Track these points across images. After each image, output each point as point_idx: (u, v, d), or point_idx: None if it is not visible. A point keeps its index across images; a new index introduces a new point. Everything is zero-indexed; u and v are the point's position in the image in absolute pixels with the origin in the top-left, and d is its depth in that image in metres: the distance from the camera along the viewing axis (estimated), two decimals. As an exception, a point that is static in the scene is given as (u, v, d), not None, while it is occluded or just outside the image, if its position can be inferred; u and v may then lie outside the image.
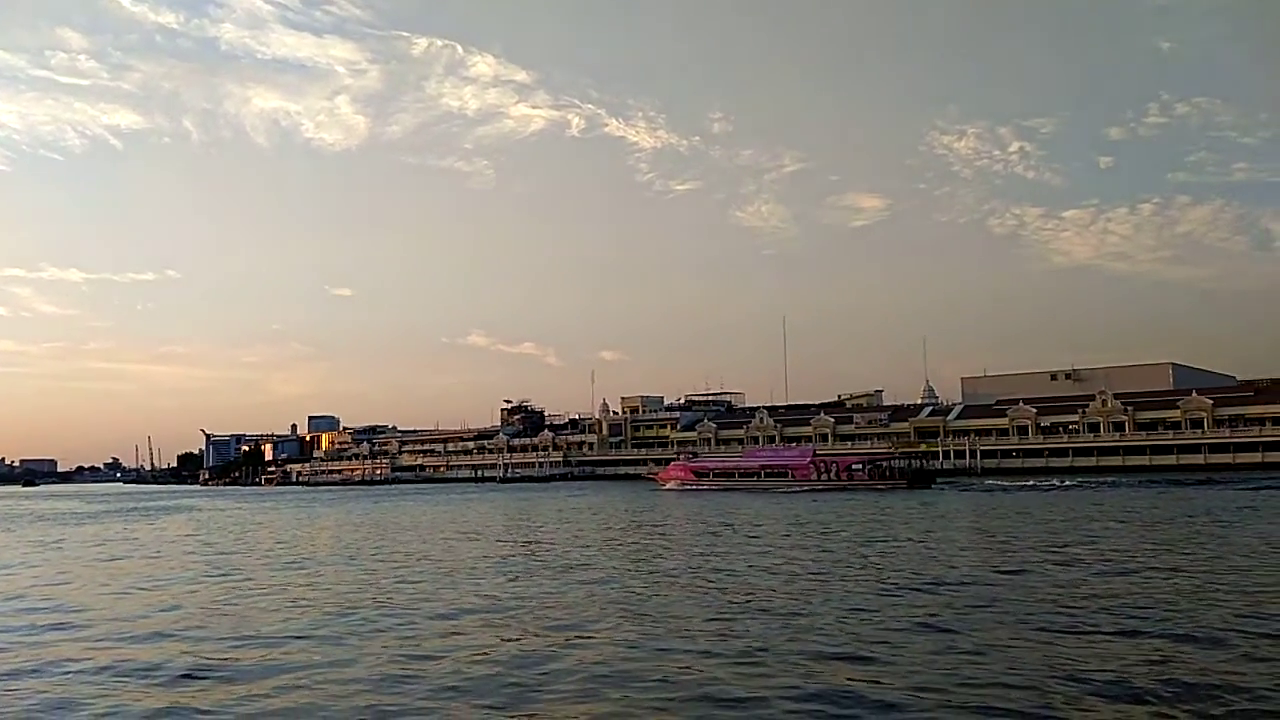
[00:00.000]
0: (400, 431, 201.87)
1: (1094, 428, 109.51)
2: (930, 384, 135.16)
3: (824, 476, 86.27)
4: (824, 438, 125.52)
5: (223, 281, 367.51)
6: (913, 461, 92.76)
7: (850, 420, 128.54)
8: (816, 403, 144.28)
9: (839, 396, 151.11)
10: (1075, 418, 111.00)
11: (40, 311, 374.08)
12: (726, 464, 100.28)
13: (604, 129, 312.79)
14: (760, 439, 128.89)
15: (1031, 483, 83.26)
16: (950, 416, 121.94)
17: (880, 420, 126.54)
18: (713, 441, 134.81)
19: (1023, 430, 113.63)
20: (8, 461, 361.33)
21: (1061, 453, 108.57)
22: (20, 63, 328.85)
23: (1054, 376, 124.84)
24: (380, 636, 17.87)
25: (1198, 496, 58.53)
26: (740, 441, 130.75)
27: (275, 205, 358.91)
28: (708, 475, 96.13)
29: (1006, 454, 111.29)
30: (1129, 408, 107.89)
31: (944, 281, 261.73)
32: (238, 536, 48.17)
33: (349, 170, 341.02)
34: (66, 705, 13.28)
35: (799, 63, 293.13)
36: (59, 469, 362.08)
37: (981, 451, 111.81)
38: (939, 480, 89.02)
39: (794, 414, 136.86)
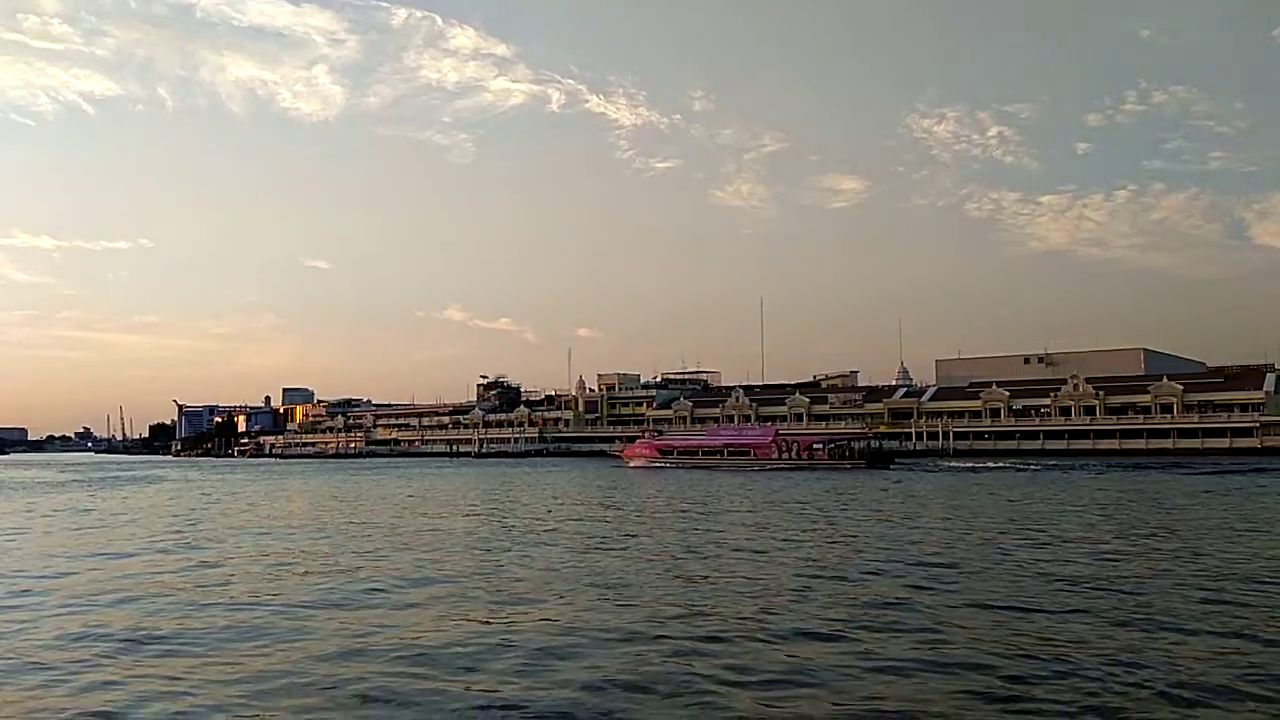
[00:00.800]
0: (375, 405, 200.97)
1: (1065, 411, 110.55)
2: (905, 366, 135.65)
3: (785, 456, 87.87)
4: (799, 417, 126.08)
5: (196, 251, 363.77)
6: (871, 443, 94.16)
7: (825, 400, 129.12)
8: (792, 383, 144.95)
9: (814, 377, 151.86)
10: (1047, 401, 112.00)
11: (11, 278, 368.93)
12: (691, 442, 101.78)
13: (584, 105, 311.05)
14: (736, 418, 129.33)
15: (988, 464, 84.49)
16: (924, 398, 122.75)
17: (855, 401, 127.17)
18: (688, 420, 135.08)
19: (995, 413, 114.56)
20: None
21: (1033, 435, 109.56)
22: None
23: (1027, 360, 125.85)
24: (346, 607, 17.87)
25: (1154, 481, 59.18)
26: (716, 420, 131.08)
27: (251, 175, 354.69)
28: (672, 453, 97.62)
29: (979, 435, 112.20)
30: (1100, 392, 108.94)
31: (921, 264, 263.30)
32: (207, 508, 47.90)
33: (326, 141, 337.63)
34: (27, 670, 13.22)
35: (780, 43, 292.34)
36: (29, 437, 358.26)
37: (954, 433, 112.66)
38: (898, 461, 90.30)
39: (770, 393, 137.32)
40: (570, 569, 22.44)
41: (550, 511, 40.96)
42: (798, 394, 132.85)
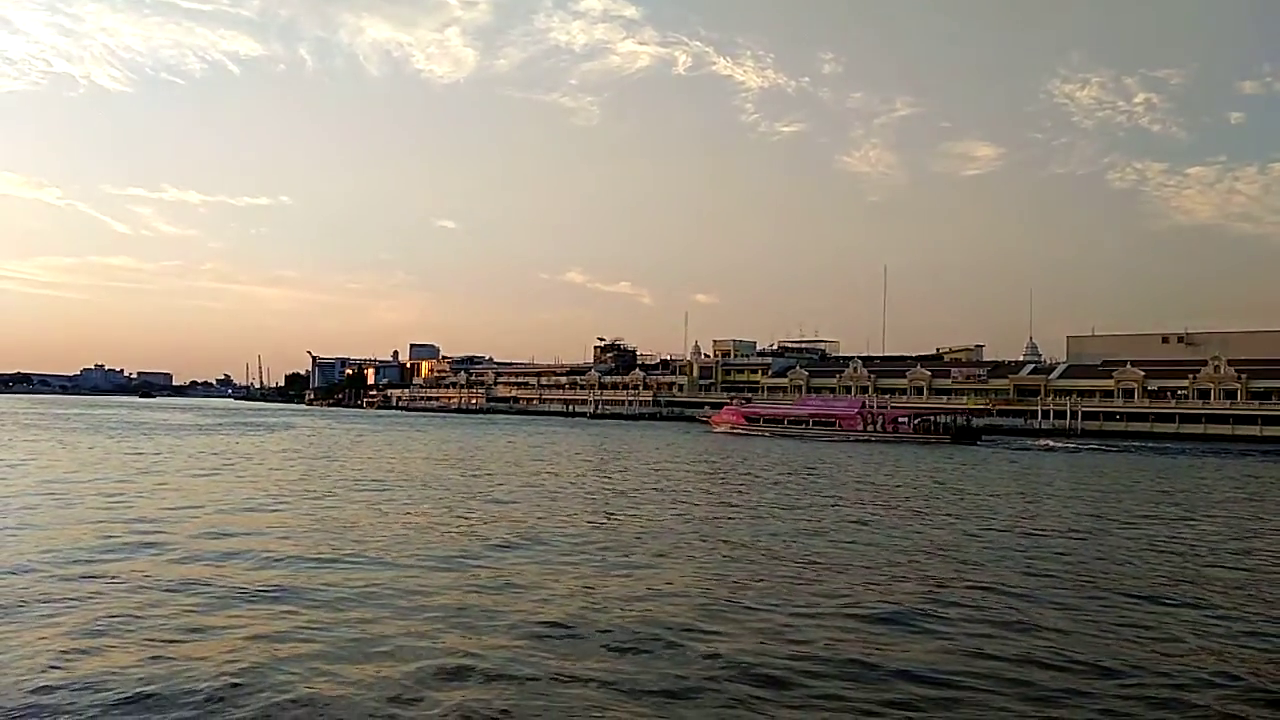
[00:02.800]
0: (496, 363, 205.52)
1: (1204, 394, 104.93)
2: (1034, 341, 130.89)
3: (870, 428, 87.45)
4: (919, 391, 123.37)
5: (332, 209, 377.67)
6: (957, 419, 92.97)
7: (947, 374, 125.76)
8: (914, 355, 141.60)
9: (937, 350, 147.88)
10: (1185, 383, 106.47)
11: (160, 231, 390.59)
12: (777, 410, 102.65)
13: (711, 67, 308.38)
14: (853, 389, 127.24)
15: (1073, 446, 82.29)
16: (1053, 375, 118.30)
17: (979, 376, 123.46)
18: (804, 389, 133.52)
19: (1129, 393, 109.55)
20: (126, 373, 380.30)
21: (1167, 418, 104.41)
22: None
23: (1165, 339, 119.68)
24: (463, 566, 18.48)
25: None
26: (833, 390, 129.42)
27: (385, 135, 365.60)
28: (758, 420, 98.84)
29: (1110, 416, 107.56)
30: (1243, 375, 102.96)
31: (1056, 236, 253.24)
32: (336, 454, 50.07)
33: (457, 103, 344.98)
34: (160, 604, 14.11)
35: (916, 4, 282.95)
36: (174, 383, 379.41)
37: (1084, 413, 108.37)
38: (985, 438, 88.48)
39: (889, 365, 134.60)
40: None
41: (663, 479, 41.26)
42: (919, 366, 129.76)
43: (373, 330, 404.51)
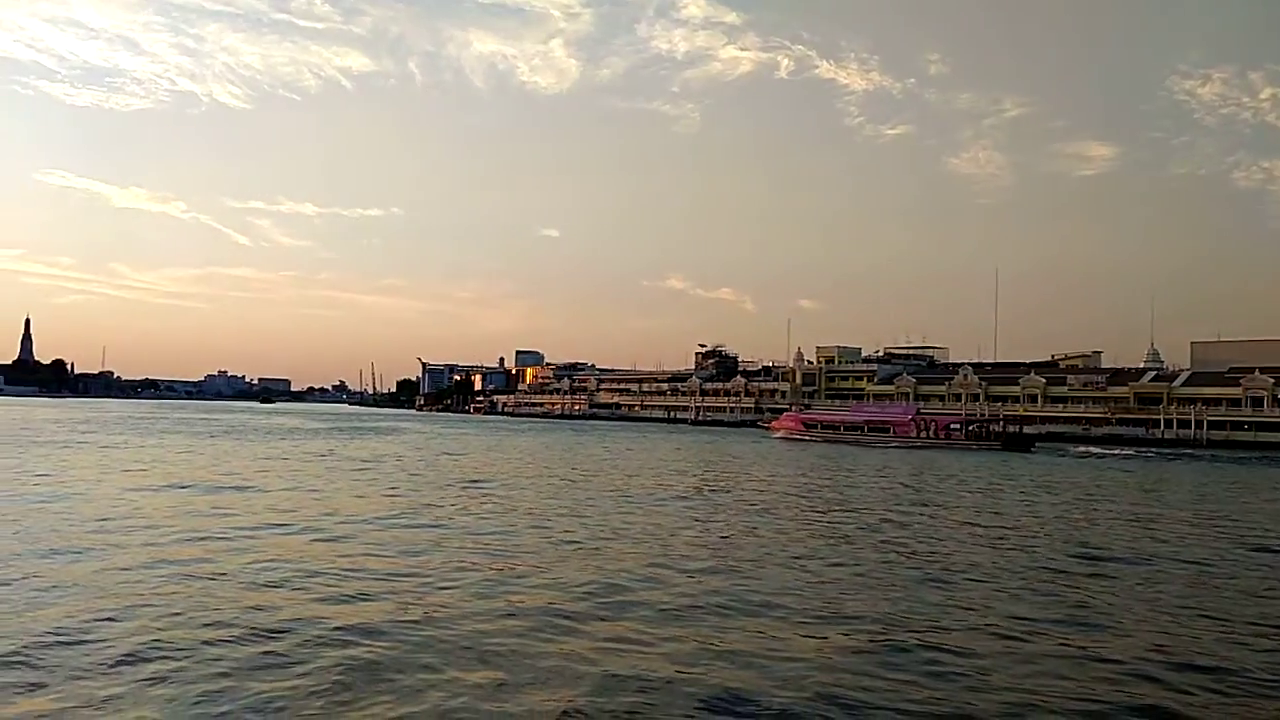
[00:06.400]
0: (599, 370, 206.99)
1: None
2: (1155, 347, 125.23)
3: (924, 434, 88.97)
4: (1033, 398, 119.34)
5: (441, 219, 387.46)
6: (1008, 426, 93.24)
7: (1063, 382, 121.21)
8: (1027, 361, 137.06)
9: (1052, 356, 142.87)
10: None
11: (278, 242, 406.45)
12: (834, 417, 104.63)
13: (814, 71, 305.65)
14: (963, 397, 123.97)
15: (1131, 452, 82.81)
16: (1176, 383, 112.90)
17: (1097, 383, 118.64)
18: (911, 396, 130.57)
19: (1257, 402, 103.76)
20: (248, 379, 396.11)
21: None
22: (263, 6, 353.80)
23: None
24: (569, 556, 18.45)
25: None
26: (941, 398, 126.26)
27: (490, 146, 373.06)
28: (816, 427, 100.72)
29: (1237, 426, 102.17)
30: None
31: (1178, 238, 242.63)
32: (443, 458, 51.03)
33: (560, 113, 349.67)
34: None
35: (1025, 2, 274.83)
36: (292, 388, 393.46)
37: (1209, 422, 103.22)
38: (1039, 444, 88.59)
39: (1001, 372, 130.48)
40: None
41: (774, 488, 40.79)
42: (1032, 374, 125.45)
43: (480, 337, 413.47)
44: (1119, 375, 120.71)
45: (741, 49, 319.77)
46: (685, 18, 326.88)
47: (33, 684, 9.96)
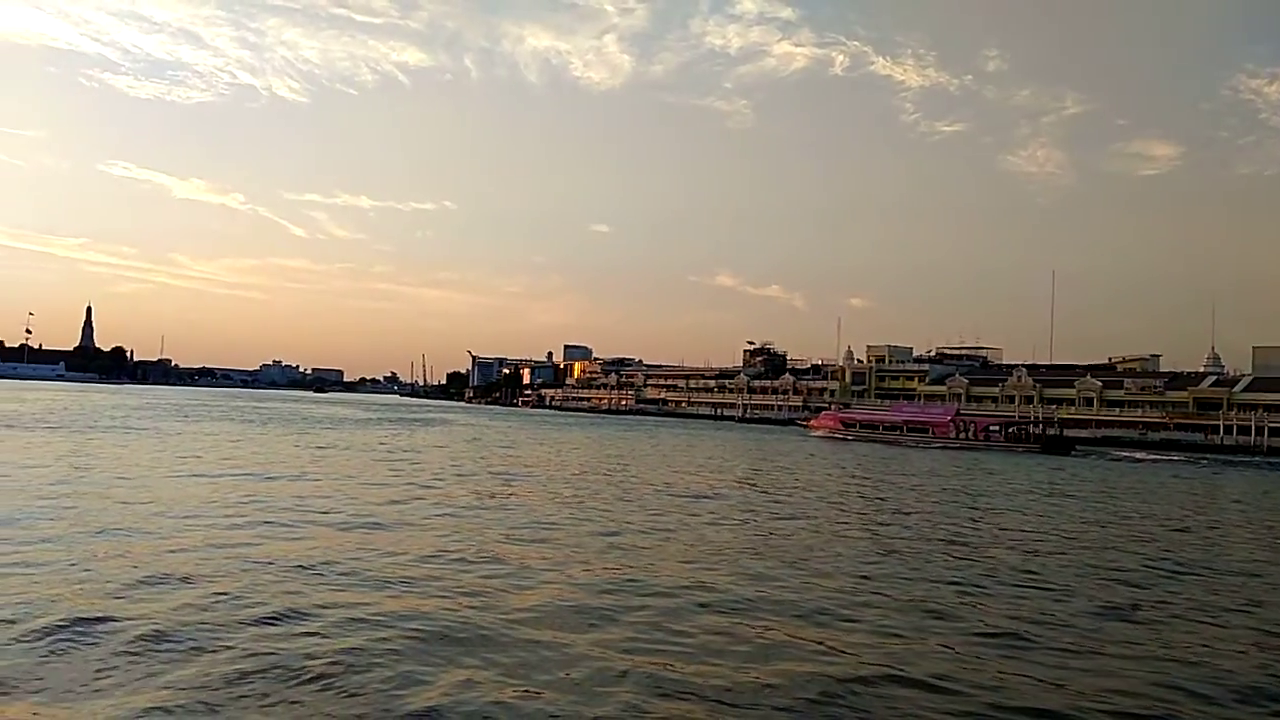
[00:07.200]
0: (646, 365, 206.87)
1: None
2: (1216, 351, 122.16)
3: (963, 435, 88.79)
4: (1089, 402, 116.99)
5: (492, 213, 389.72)
6: (1047, 428, 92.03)
7: (1120, 385, 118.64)
8: (1083, 364, 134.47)
9: (1109, 359, 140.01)
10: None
11: (333, 234, 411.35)
12: (873, 416, 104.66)
13: (869, 67, 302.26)
14: (1017, 398, 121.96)
15: (1181, 458, 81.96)
16: (1237, 388, 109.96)
17: (1155, 387, 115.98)
18: (963, 397, 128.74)
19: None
20: (301, 369, 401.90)
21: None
22: (322, 1, 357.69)
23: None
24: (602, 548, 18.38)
25: None
26: (994, 400, 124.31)
27: (542, 141, 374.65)
28: (855, 426, 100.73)
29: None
30: None
31: (1242, 240, 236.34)
32: (495, 450, 51.32)
33: (612, 109, 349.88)
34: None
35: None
36: (344, 379, 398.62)
37: (1270, 429, 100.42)
38: (1090, 449, 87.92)
39: (1056, 374, 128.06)
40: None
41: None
42: (1088, 376, 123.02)
43: (529, 331, 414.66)
44: (1177, 379, 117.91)
45: (796, 45, 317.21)
46: (739, 13, 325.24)
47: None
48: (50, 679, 9.58)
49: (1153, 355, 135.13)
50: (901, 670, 10.98)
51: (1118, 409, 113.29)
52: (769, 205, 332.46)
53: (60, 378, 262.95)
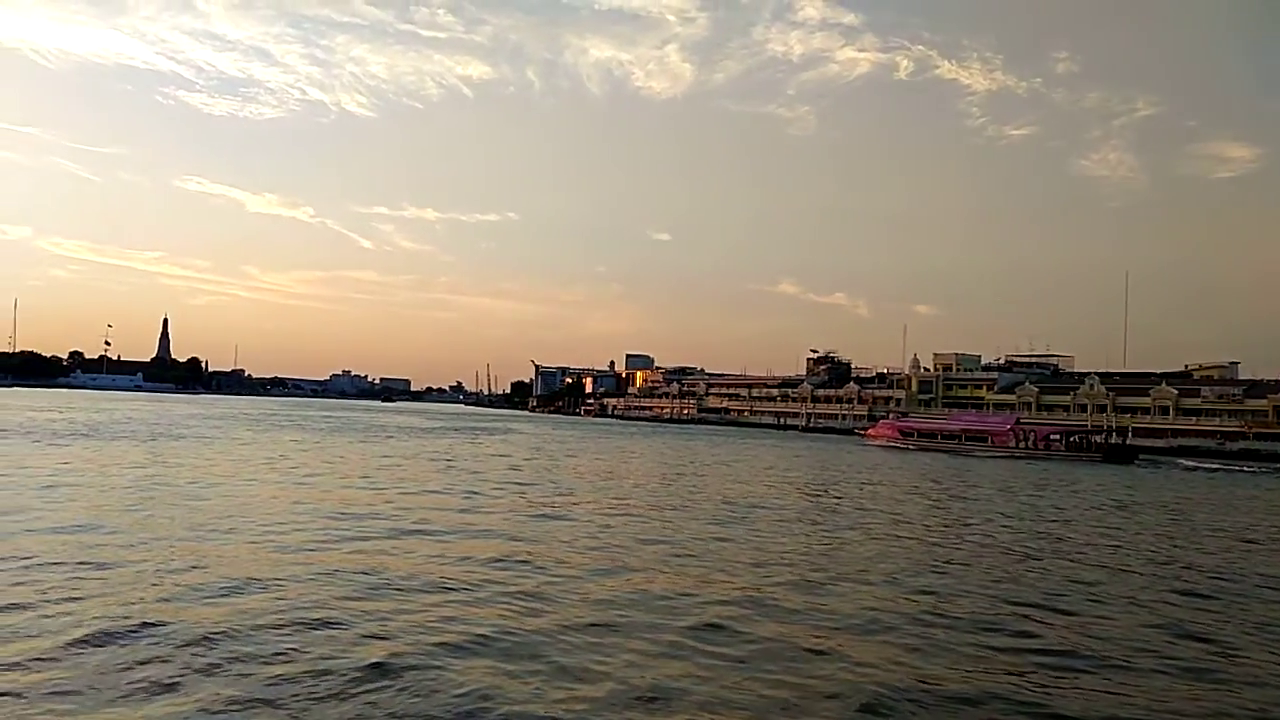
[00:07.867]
0: (708, 374, 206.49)
1: None
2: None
3: (1022, 445, 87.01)
4: (1164, 410, 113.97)
5: (554, 224, 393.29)
6: (1110, 437, 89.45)
7: (1197, 393, 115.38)
8: (1158, 372, 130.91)
9: (1185, 366, 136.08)
10: None
11: (400, 246, 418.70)
12: (932, 425, 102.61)
13: (934, 71, 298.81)
14: (1089, 407, 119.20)
15: (1256, 468, 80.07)
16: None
17: (1233, 395, 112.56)
18: (1034, 406, 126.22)
19: None
20: (370, 379, 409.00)
21: None
22: (388, 17, 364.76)
23: None
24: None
25: None
26: (1066, 408, 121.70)
27: (604, 152, 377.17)
28: (913, 435, 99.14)
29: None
30: None
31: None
32: (563, 459, 51.75)
33: (673, 118, 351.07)
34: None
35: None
36: (411, 388, 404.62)
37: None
38: (1157, 458, 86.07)
39: (1130, 382, 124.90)
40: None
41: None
42: (1164, 384, 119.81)
43: (591, 340, 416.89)
44: (1257, 387, 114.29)
45: (859, 50, 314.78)
46: (802, 20, 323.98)
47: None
48: (112, 681, 10.01)
49: (1231, 362, 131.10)
50: (956, 688, 10.93)
51: (1194, 418, 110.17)
52: (832, 212, 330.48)
53: (138, 388, 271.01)
